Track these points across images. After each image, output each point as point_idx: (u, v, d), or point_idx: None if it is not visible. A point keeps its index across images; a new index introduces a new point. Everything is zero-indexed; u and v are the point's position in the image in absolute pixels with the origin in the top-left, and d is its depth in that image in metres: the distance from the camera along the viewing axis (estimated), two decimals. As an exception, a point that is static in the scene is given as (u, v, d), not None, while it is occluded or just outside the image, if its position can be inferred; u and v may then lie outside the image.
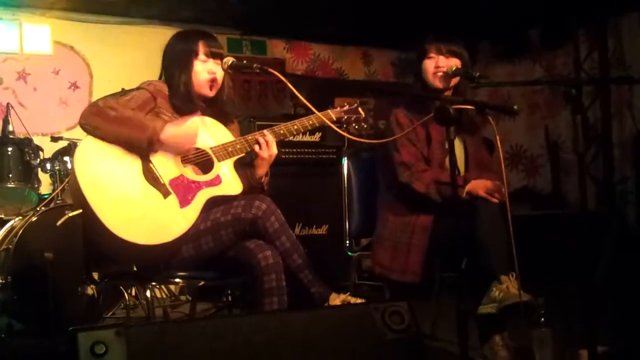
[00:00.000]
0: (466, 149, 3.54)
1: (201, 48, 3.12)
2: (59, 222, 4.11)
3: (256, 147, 3.11)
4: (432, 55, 3.52)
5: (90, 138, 2.90)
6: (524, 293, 2.89)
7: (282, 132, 3.18)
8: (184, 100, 3.10)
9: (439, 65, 3.49)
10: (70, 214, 4.13)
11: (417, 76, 3.59)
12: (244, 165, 3.21)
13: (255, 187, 3.18)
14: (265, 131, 3.14)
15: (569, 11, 6.46)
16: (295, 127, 3.21)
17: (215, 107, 3.22)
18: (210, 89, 3.14)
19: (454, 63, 3.48)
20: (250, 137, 3.13)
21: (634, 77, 6.10)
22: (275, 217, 2.93)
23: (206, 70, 3.11)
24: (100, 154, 2.87)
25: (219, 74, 3.15)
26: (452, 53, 3.51)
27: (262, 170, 3.16)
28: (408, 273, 3.35)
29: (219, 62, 3.14)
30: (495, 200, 3.18)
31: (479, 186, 3.25)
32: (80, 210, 2.89)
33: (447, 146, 3.48)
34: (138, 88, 3.11)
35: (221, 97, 3.22)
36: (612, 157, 6.56)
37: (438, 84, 3.49)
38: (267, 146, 3.11)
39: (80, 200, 2.80)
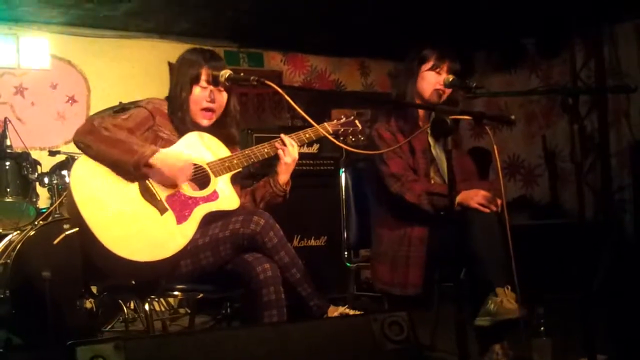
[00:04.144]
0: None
1: (204, 74, 3.07)
2: (56, 241, 4.12)
3: (280, 153, 3.13)
4: (442, 71, 3.48)
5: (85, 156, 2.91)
6: (520, 307, 2.89)
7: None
8: (181, 123, 3.09)
9: (442, 83, 3.47)
10: (68, 232, 4.13)
11: (408, 84, 3.55)
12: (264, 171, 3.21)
13: (278, 194, 3.19)
14: (282, 136, 3.16)
15: (565, 21, 6.48)
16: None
17: (217, 129, 3.18)
18: (206, 118, 3.10)
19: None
20: (262, 147, 3.13)
21: (630, 86, 6.11)
22: (274, 232, 2.92)
23: (204, 98, 3.07)
24: (96, 172, 2.87)
25: (219, 103, 3.11)
26: (456, 73, 3.48)
27: (284, 176, 3.18)
28: (409, 286, 3.35)
29: (221, 89, 3.10)
30: (488, 211, 3.17)
31: (470, 196, 3.23)
32: (77, 229, 2.88)
33: (433, 156, 3.53)
34: (137, 106, 3.11)
35: (225, 119, 3.19)
36: (610, 166, 6.57)
37: (435, 98, 3.48)
38: (292, 147, 3.14)
39: (76, 218, 2.80)
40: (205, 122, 3.11)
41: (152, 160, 2.83)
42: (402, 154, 3.46)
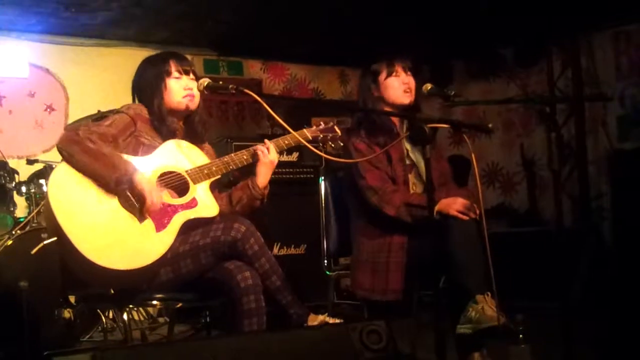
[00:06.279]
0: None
1: (173, 66, 3.14)
2: (34, 251, 4.08)
3: (260, 153, 3.14)
4: (399, 73, 3.56)
5: (64, 163, 2.89)
6: (500, 315, 2.89)
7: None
8: (160, 122, 3.10)
9: (405, 82, 3.54)
10: (46, 242, 4.10)
11: (374, 94, 3.60)
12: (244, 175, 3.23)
13: (256, 197, 3.20)
14: (266, 142, 3.19)
15: (543, 30, 6.54)
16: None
17: (189, 128, 3.23)
18: (190, 103, 3.15)
19: (413, 81, 3.54)
20: (240, 154, 3.15)
21: (607, 95, 6.18)
22: (255, 239, 2.92)
23: (182, 87, 3.13)
24: (74, 180, 2.85)
25: (196, 90, 3.14)
26: (412, 70, 3.58)
27: (263, 178, 3.18)
28: (389, 292, 3.35)
29: (193, 78, 3.16)
30: (467, 218, 3.18)
31: (449, 204, 3.23)
32: (55, 238, 2.86)
33: (408, 162, 3.54)
34: (118, 112, 3.10)
35: (194, 117, 3.23)
36: (587, 174, 6.62)
37: (406, 100, 3.53)
38: (268, 151, 3.16)
39: (54, 227, 2.78)
40: (191, 106, 3.16)
41: (134, 177, 2.83)
42: (380, 164, 3.46)
